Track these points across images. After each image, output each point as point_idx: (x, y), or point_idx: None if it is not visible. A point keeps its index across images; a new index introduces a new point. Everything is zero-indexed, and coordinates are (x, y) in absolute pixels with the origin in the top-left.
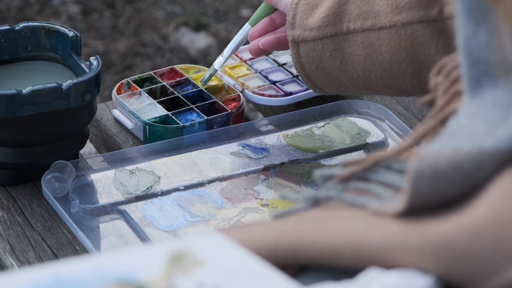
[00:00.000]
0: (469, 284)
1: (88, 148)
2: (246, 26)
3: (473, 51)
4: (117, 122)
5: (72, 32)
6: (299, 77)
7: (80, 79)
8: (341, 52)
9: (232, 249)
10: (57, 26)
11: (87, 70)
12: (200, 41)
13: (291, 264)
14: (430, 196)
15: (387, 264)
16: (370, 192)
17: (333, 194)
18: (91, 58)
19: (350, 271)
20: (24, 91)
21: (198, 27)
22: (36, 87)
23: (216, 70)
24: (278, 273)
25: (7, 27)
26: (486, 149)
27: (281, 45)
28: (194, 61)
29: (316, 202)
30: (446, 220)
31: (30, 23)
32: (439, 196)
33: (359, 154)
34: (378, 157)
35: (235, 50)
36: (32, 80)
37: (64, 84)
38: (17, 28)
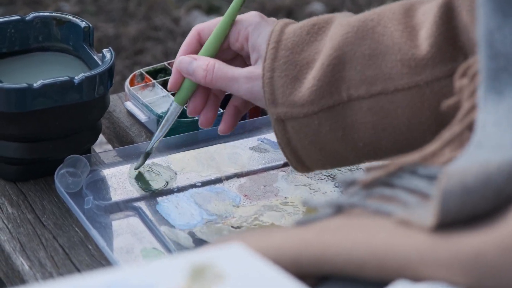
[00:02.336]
0: None
1: (100, 142)
2: (175, 105)
3: (496, 44)
4: (130, 114)
5: (84, 23)
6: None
7: (93, 72)
8: (343, 122)
9: (253, 261)
10: (69, 17)
11: (99, 63)
12: None
13: (313, 273)
14: (460, 212)
15: (414, 277)
16: (395, 198)
17: (356, 201)
18: (104, 50)
19: (374, 282)
20: (35, 84)
21: (210, 10)
22: (48, 81)
23: (148, 154)
24: (301, 286)
25: (17, 17)
26: None
27: (238, 118)
28: None
29: (339, 209)
30: (476, 234)
31: (41, 13)
32: (470, 212)
33: None
34: (403, 162)
35: (165, 132)
36: (43, 71)
37: (76, 77)
38: (27, 18)
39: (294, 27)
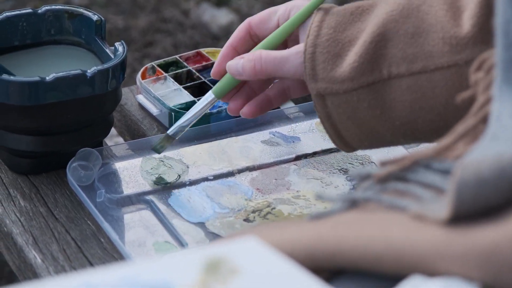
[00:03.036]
0: None
1: (111, 135)
2: (209, 95)
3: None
4: (142, 107)
5: (96, 16)
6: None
7: (105, 65)
8: (382, 100)
9: (268, 255)
10: (81, 10)
11: (112, 56)
12: (222, 17)
13: (328, 267)
14: (474, 204)
15: (430, 271)
16: (409, 193)
17: (370, 195)
18: (116, 44)
19: (389, 276)
20: (47, 78)
21: (220, 3)
22: (60, 74)
23: (171, 138)
24: (316, 280)
25: (29, 10)
26: None
27: (265, 110)
28: (216, 38)
29: (353, 203)
30: (491, 227)
31: (53, 6)
32: (484, 204)
33: (396, 150)
34: (417, 156)
35: (193, 120)
36: (55, 65)
37: (88, 70)
38: (39, 11)
39: (338, 9)
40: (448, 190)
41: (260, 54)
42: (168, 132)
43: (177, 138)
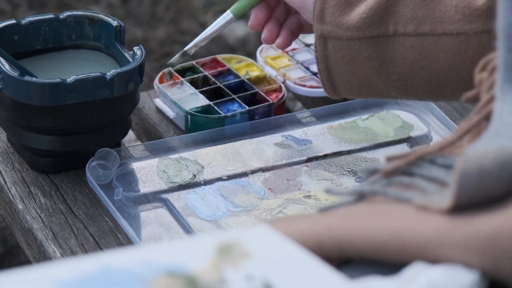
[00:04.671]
0: None
1: (129, 138)
2: (227, 14)
3: None
4: (159, 111)
5: (116, 22)
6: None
7: (124, 68)
8: (382, 54)
9: (279, 241)
10: (101, 16)
11: (130, 60)
12: (239, 29)
13: (336, 257)
14: (476, 194)
15: (433, 259)
16: (414, 186)
17: (377, 189)
18: (135, 48)
19: (394, 264)
20: (68, 79)
21: None
22: (80, 76)
23: (186, 54)
24: (325, 265)
25: (51, 16)
26: None
27: (290, 42)
28: (232, 49)
29: (361, 197)
30: (492, 216)
31: (74, 12)
32: (486, 195)
33: (402, 148)
34: (422, 151)
35: (209, 38)
36: (75, 68)
37: (107, 73)
38: (61, 17)
39: None
40: (452, 180)
41: None
42: (185, 48)
43: (192, 53)
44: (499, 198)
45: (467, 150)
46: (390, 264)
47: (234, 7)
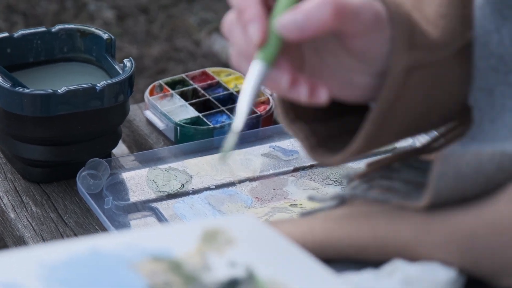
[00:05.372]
0: (493, 279)
1: (120, 150)
2: (261, 65)
3: (492, 44)
4: (149, 123)
5: (106, 35)
6: None
7: (114, 80)
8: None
9: (263, 229)
10: (92, 29)
11: (121, 72)
12: None
13: (318, 258)
14: (452, 195)
15: (413, 258)
16: (393, 188)
17: (357, 192)
18: (125, 60)
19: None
20: (59, 90)
21: None
22: (71, 87)
23: (237, 135)
24: (308, 254)
25: (43, 29)
26: (508, 152)
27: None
28: (225, 66)
29: (342, 201)
30: (469, 214)
31: (66, 25)
32: (461, 195)
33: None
34: (400, 155)
35: (252, 103)
36: (67, 81)
37: (98, 84)
38: (53, 30)
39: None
40: (428, 180)
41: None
42: (234, 129)
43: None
44: (474, 197)
45: (444, 152)
46: (371, 263)
47: (263, 54)
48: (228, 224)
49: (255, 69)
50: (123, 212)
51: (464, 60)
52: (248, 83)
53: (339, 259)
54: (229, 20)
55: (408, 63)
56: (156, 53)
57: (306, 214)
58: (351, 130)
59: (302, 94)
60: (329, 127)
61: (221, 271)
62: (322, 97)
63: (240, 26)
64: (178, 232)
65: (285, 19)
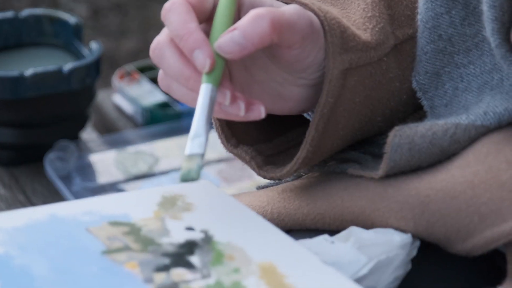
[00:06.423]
0: (447, 244)
1: (90, 135)
2: (209, 88)
3: (441, 27)
4: (118, 108)
5: (74, 19)
6: None
7: (81, 62)
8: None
9: (221, 196)
10: (60, 14)
11: (88, 56)
12: None
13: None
14: (407, 165)
15: (369, 225)
16: (349, 159)
17: (314, 165)
18: (92, 42)
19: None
20: (26, 73)
21: None
22: (38, 70)
23: (203, 156)
24: (264, 220)
25: (11, 14)
26: (461, 124)
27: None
28: None
29: (299, 176)
30: (423, 181)
31: (34, 10)
32: (417, 166)
33: None
34: None
35: (210, 125)
36: (35, 65)
37: (65, 67)
38: (21, 15)
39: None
40: (384, 153)
41: (266, 11)
42: (187, 152)
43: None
44: (428, 167)
45: (399, 127)
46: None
47: (209, 76)
48: (186, 190)
49: (206, 92)
50: (91, 193)
51: (400, 58)
52: (202, 107)
53: (297, 229)
54: (160, 44)
55: (343, 65)
56: (130, 49)
57: (263, 187)
58: (298, 143)
59: (241, 109)
60: (274, 145)
61: (179, 235)
62: (261, 111)
63: (176, 52)
64: (137, 198)
65: (225, 40)
